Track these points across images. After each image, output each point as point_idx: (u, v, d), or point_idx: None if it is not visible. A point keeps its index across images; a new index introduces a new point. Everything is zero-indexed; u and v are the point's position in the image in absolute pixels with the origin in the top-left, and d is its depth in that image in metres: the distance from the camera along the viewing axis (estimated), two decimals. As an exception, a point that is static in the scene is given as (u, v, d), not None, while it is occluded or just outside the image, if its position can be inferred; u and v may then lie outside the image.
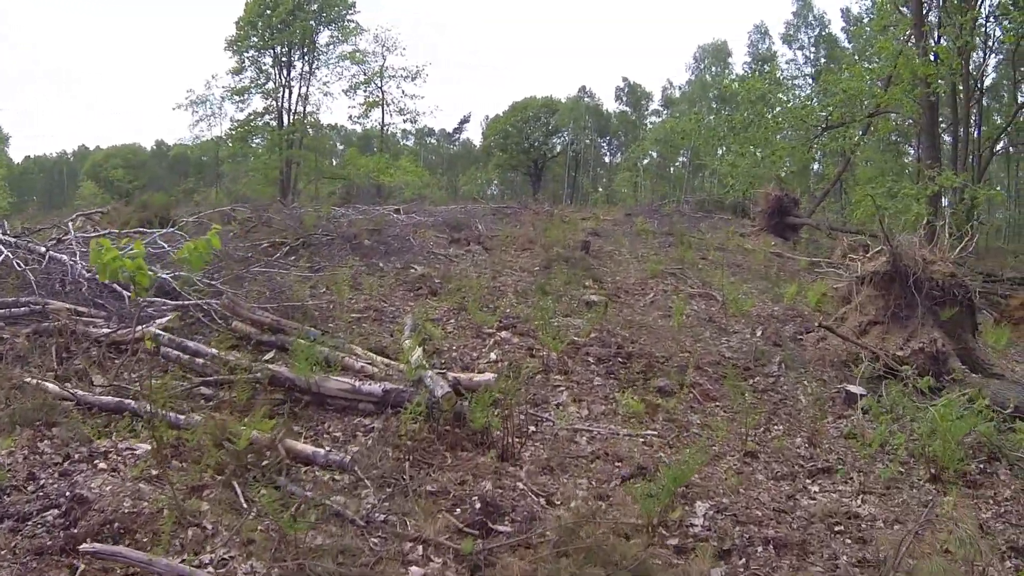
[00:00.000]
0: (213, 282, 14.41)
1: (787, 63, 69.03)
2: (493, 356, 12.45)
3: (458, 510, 7.71)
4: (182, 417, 9.06)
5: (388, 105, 63.30)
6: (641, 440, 10.04)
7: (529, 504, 7.97)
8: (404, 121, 64.86)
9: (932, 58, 27.41)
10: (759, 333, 15.27)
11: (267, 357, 11.56)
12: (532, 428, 10.14)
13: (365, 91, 62.09)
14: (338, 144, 79.75)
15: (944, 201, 28.01)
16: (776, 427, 11.18)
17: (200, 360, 10.98)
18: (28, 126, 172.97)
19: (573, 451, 9.64)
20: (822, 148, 35.84)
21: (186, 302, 13.26)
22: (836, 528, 8.20)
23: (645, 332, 14.61)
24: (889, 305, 14.44)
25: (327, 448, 8.85)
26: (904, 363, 13.03)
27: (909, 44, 31.14)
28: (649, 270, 20.00)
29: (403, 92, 62.68)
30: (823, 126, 32.87)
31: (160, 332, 11.51)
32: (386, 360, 11.24)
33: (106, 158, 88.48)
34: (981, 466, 10.08)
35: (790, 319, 17.15)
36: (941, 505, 8.71)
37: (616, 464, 9.25)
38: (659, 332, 14.70)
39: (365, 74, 61.37)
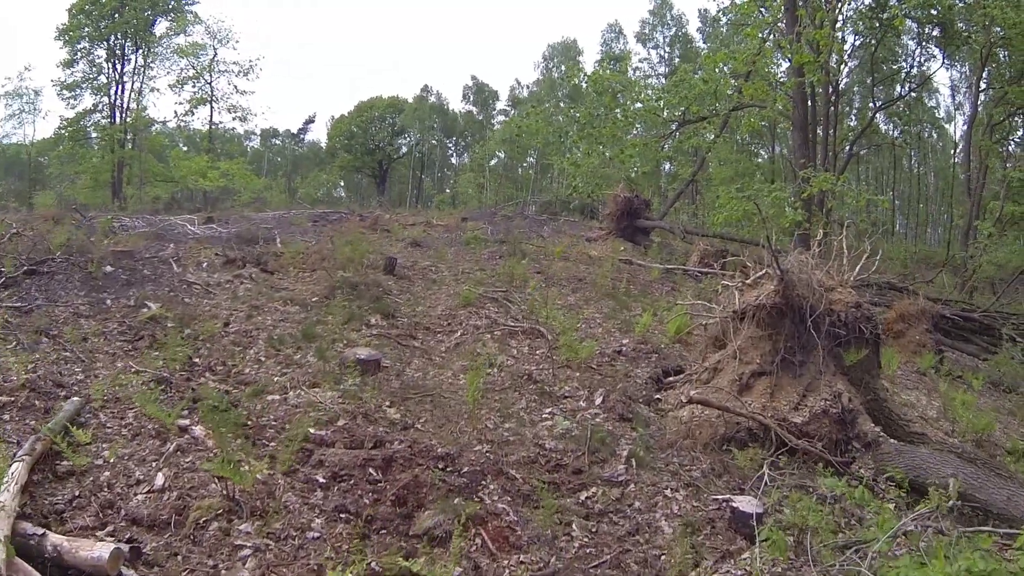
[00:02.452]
0: None
1: (641, 62, 65.58)
2: (160, 480, 7.22)
3: None
4: None
5: (217, 102, 57.05)
6: None
7: None
8: (233, 119, 58.74)
9: (807, 46, 22.97)
10: (599, 400, 10.28)
11: None
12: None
13: (194, 86, 55.70)
14: (182, 145, 72.73)
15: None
16: (623, 599, 6.30)
17: None
18: None
19: None
20: (677, 146, 31.42)
21: None
22: None
23: (429, 409, 9.70)
24: (778, 349, 10.24)
25: None
26: (805, 434, 9.20)
27: (773, 37, 27.10)
28: (462, 297, 15.05)
29: (235, 88, 56.31)
30: (679, 121, 28.31)
31: None
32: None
33: (-72, 157, 78.88)
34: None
35: (643, 357, 12.72)
36: None
37: None
38: (450, 406, 9.77)
39: (194, 68, 55.44)
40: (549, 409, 9.86)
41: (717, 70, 26.93)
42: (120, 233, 20.80)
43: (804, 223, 20.28)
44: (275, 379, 10.33)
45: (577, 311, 15.30)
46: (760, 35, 26.95)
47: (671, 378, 11.79)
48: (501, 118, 77.75)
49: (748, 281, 11.07)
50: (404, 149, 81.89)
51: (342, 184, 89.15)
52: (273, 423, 8.78)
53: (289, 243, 20.34)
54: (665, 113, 28.00)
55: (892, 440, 9.53)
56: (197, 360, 10.96)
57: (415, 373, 11.04)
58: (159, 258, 16.80)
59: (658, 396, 10.86)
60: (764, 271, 10.75)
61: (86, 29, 50.16)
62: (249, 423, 8.77)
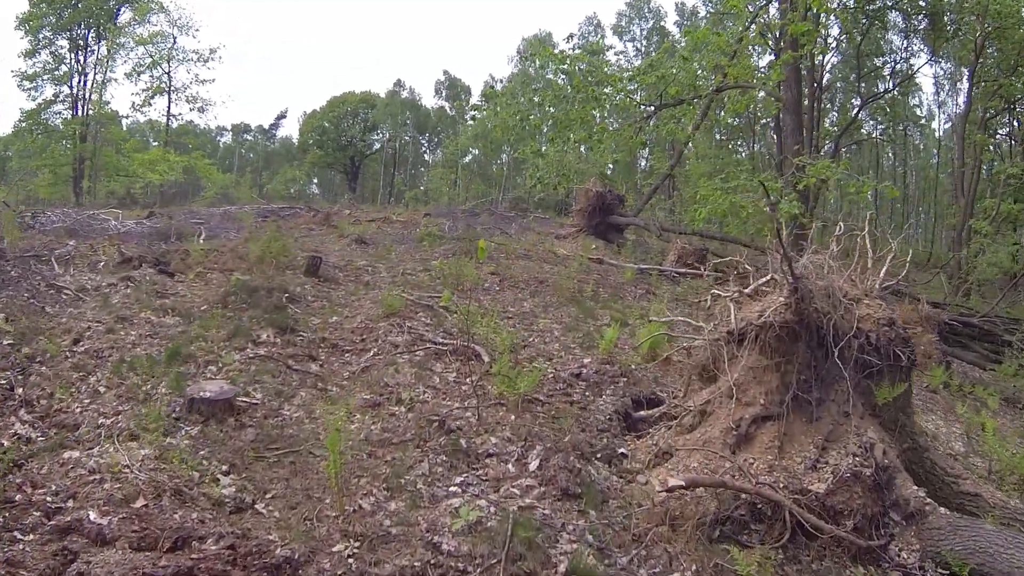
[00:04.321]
0: None
1: (618, 55, 62.42)
2: None
3: None
4: None
5: (175, 92, 53.26)
6: None
7: None
8: (191, 110, 55.65)
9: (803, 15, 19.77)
10: (535, 464, 7.00)
11: None
12: None
13: (151, 75, 51.85)
14: (152, 140, 69.23)
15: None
16: None
17: None
18: None
19: None
20: (654, 132, 28.11)
21: None
22: None
23: (285, 476, 6.64)
24: (789, 383, 7.40)
25: None
26: (829, 509, 6.49)
27: (756, 25, 24.03)
28: (386, 305, 11.93)
29: (196, 77, 53.03)
30: (655, 105, 25.06)
31: None
32: None
33: None
34: None
35: (607, 382, 9.65)
36: None
37: None
38: (320, 471, 6.62)
39: (151, 56, 51.20)
40: (462, 478, 6.67)
41: (697, 51, 23.64)
42: (33, 228, 18.56)
43: (800, 217, 17.24)
44: (99, 422, 7.33)
45: (531, 321, 12.34)
46: (747, 13, 23.96)
47: (643, 412, 8.84)
48: (475, 114, 74.88)
49: (747, 290, 8.05)
50: (377, 145, 78.87)
51: (315, 181, 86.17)
52: (49, 500, 5.79)
53: (212, 240, 17.51)
54: (639, 96, 24.74)
55: (942, 510, 6.85)
56: (19, 391, 8.12)
57: (294, 413, 7.95)
58: (41, 257, 13.93)
59: (624, 450, 7.73)
60: (769, 277, 7.74)
61: (49, 18, 46.99)
62: (17, 499, 5.78)
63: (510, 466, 6.92)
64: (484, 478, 6.70)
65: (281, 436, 7.28)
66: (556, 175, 24.65)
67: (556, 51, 25.61)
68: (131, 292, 11.93)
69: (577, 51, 26.57)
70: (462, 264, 15.21)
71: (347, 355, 10.10)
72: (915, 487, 6.88)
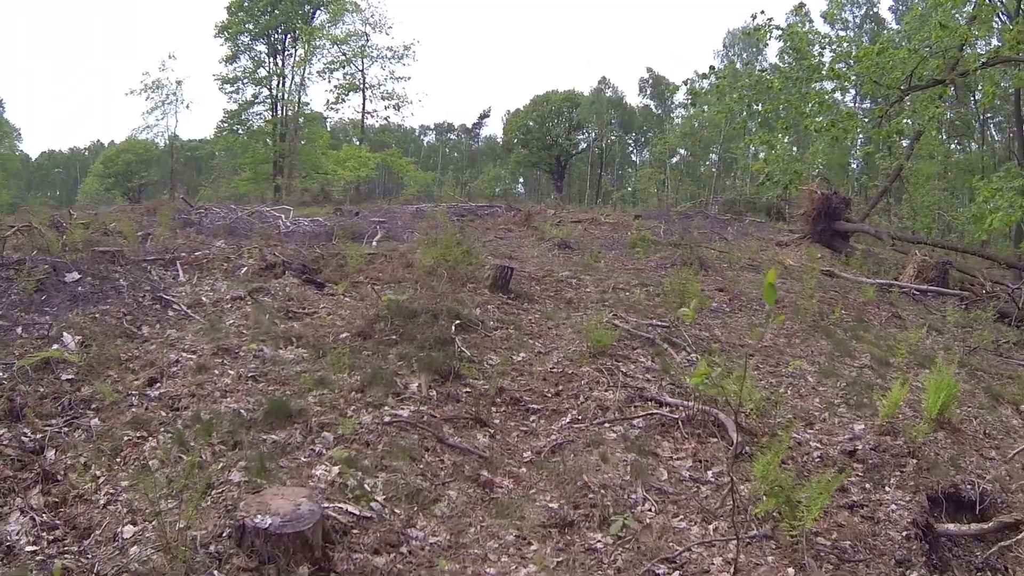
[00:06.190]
0: None
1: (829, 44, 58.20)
2: None
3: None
4: None
5: (369, 89, 53.91)
6: None
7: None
8: (386, 108, 55.77)
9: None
10: None
11: None
12: None
13: (343, 72, 53.00)
14: (355, 140, 69.61)
15: None
16: None
17: None
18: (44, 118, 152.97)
19: None
20: (910, 114, 23.73)
21: None
22: None
23: None
24: None
25: None
26: None
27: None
28: (592, 339, 8.63)
29: (391, 74, 53.70)
30: (904, 87, 20.75)
31: None
32: None
33: (117, 154, 78.38)
34: None
35: (890, 464, 6.67)
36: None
37: None
38: None
39: (344, 54, 52.23)
40: None
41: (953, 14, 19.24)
42: (196, 225, 16.76)
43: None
44: (117, 531, 4.75)
45: (777, 360, 9.11)
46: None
47: (953, 527, 5.76)
48: (681, 111, 71.37)
49: None
50: (582, 144, 76.88)
51: (521, 180, 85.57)
52: None
53: (386, 242, 15.37)
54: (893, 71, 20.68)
55: None
56: (49, 455, 5.72)
57: (431, 536, 4.81)
58: (165, 260, 11.53)
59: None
60: None
61: (247, 25, 49.64)
62: None
63: None
64: None
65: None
66: (788, 173, 20.93)
67: (782, 26, 21.80)
68: (253, 311, 9.14)
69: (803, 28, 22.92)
70: (685, 278, 11.90)
71: (532, 419, 6.98)
72: None
